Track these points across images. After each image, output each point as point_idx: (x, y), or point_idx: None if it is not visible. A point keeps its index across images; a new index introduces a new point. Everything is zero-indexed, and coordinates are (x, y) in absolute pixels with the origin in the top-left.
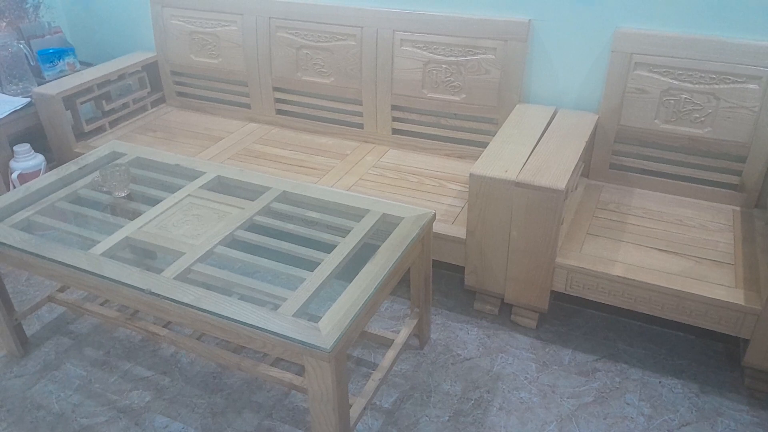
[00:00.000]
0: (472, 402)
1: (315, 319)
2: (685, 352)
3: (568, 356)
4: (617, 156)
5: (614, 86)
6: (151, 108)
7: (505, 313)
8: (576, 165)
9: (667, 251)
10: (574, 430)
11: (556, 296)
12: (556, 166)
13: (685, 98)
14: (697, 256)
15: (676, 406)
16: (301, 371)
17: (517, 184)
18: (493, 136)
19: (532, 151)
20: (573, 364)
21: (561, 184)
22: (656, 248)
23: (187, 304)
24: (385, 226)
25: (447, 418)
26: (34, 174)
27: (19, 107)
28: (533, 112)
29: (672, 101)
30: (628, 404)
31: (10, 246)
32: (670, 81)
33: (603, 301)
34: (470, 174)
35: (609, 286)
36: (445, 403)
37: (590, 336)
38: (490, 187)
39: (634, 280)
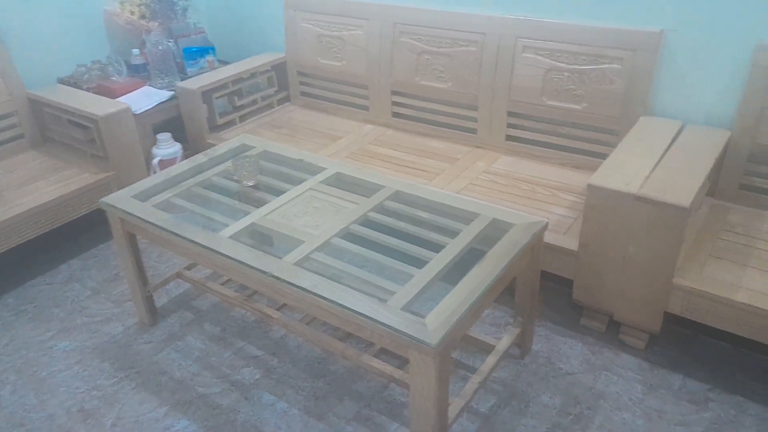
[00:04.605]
0: (572, 417)
1: (420, 316)
2: None
3: (679, 382)
4: (750, 176)
5: (752, 102)
6: (277, 105)
7: (612, 331)
8: (703, 182)
9: None
10: None
11: (670, 319)
12: (681, 183)
13: None
14: None
15: None
16: (402, 364)
17: (638, 199)
18: (614, 147)
19: (656, 165)
20: (683, 390)
21: (686, 202)
22: None
23: (305, 289)
24: (495, 231)
25: (544, 429)
26: (172, 160)
27: (164, 99)
28: (658, 125)
29: None
30: None
31: (152, 223)
32: None
33: (722, 329)
34: (588, 185)
35: (730, 313)
36: (543, 415)
37: (705, 364)
38: (609, 199)
39: (760, 308)
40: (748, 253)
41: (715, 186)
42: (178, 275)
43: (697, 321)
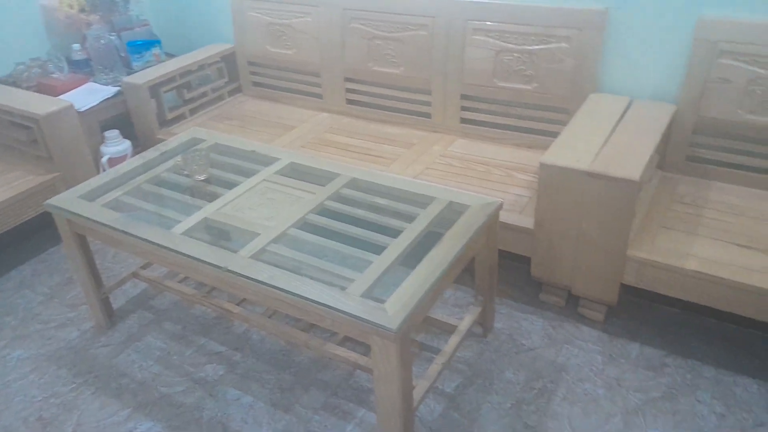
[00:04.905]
0: (536, 391)
1: (380, 301)
2: (764, 352)
3: (636, 350)
4: (695, 148)
5: (695, 76)
6: (228, 97)
7: (571, 305)
8: (651, 156)
9: (748, 247)
10: (641, 424)
11: (626, 290)
12: (630, 157)
13: None
14: None
15: (750, 406)
16: (366, 351)
17: (589, 175)
18: (565, 126)
19: (606, 141)
20: (641, 358)
21: (635, 175)
22: (735, 243)
23: (262, 282)
24: (451, 214)
25: (509, 405)
26: (122, 158)
27: (109, 96)
28: (607, 102)
29: (758, 91)
30: (699, 402)
31: (101, 223)
32: (757, 70)
33: (675, 296)
34: (540, 163)
35: (682, 281)
36: (507, 391)
37: (660, 331)
38: (561, 176)
39: (709, 275)
40: (697, 222)
41: (663, 159)
42: (134, 275)
43: (651, 291)
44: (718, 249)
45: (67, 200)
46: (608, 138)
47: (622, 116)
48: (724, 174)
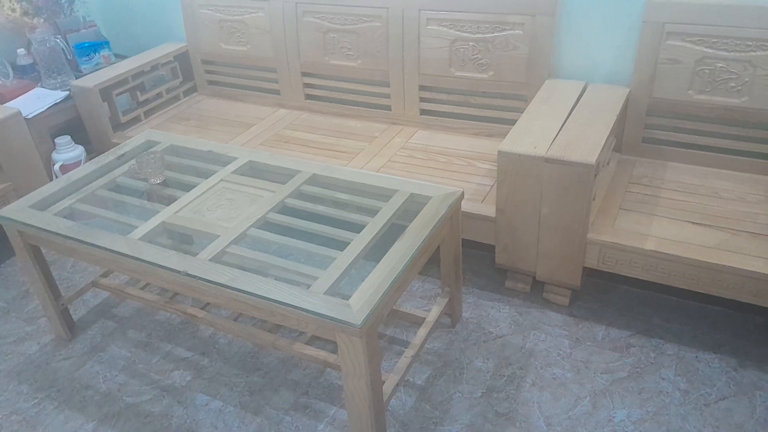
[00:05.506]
0: (505, 378)
1: (346, 297)
2: (723, 326)
3: (602, 332)
4: (650, 129)
5: (646, 58)
6: (184, 97)
7: (537, 290)
8: (607, 139)
9: (703, 224)
10: (608, 405)
11: (589, 273)
12: (586, 141)
13: (721, 67)
14: (735, 229)
15: (713, 381)
16: (335, 349)
17: (547, 160)
18: (522, 113)
19: (562, 126)
20: (607, 340)
21: (591, 159)
22: (691, 221)
23: (222, 285)
24: (414, 205)
25: (480, 394)
26: (75, 165)
27: (58, 100)
28: (563, 87)
29: (707, 71)
30: (663, 379)
31: (54, 233)
32: (705, 50)
33: (636, 277)
34: (498, 151)
35: (642, 261)
36: (477, 380)
37: (624, 312)
38: (519, 163)
39: (667, 254)
40: (655, 203)
41: (620, 141)
42: (94, 284)
43: (613, 272)
44: (676, 228)
45: (18, 210)
46: (564, 123)
47: (577, 101)
48: (678, 154)
